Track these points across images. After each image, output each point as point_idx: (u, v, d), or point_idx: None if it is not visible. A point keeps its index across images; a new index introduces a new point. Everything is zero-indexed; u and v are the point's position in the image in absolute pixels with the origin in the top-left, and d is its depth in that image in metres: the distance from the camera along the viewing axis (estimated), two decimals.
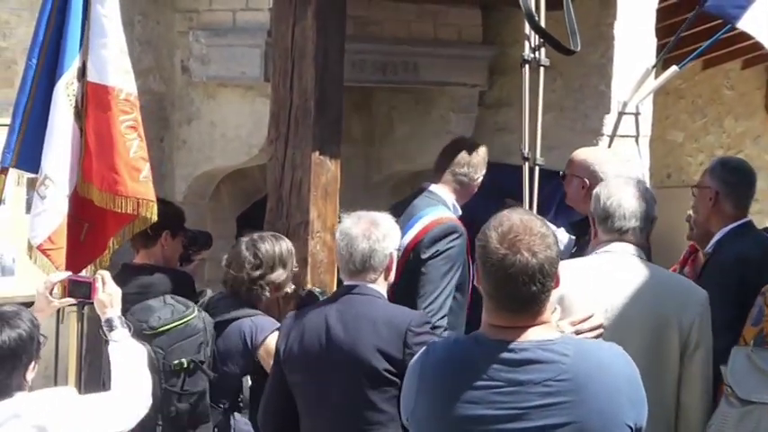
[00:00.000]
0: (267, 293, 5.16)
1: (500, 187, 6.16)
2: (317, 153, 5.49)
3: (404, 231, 5.88)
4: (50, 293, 4.59)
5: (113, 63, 5.33)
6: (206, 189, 6.89)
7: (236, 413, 5.18)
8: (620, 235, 4.42)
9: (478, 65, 7.28)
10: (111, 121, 5.30)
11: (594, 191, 4.56)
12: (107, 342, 4.38)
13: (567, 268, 4.03)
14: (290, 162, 5.56)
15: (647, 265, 4.49)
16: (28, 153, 5.38)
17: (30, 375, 3.82)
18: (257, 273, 5.12)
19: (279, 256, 5.16)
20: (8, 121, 5.48)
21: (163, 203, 5.89)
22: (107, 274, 4.59)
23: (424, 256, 5.64)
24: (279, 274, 5.15)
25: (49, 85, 5.34)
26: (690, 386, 4.35)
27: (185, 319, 5.00)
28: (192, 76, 6.63)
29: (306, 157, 5.51)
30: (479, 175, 6.00)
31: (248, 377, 5.15)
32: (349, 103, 6.61)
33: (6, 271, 6.37)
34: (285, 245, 5.21)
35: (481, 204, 6.54)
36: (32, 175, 5.58)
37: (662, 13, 7.48)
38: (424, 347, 3.22)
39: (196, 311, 5.05)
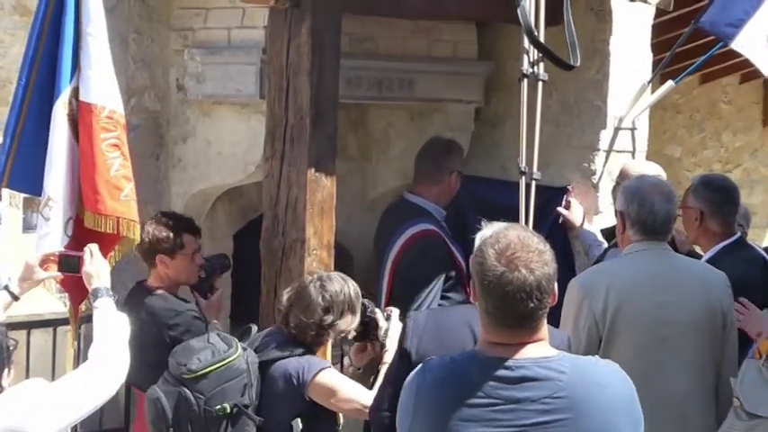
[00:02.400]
0: (330, 338, 4.90)
1: (496, 203, 6.14)
2: (313, 170, 5.49)
3: (390, 246, 6.13)
4: (40, 266, 4.81)
5: (96, 81, 5.30)
6: (202, 207, 6.86)
7: None
8: (654, 235, 4.71)
9: (474, 81, 7.26)
10: (92, 139, 5.27)
11: (624, 192, 4.83)
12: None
13: (612, 274, 4.63)
14: (285, 179, 5.56)
15: (679, 257, 4.90)
16: (20, 173, 5.36)
17: (5, 382, 3.79)
18: (329, 319, 4.78)
19: (349, 301, 4.81)
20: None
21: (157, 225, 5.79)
22: (95, 248, 4.66)
23: (407, 269, 6.25)
24: (348, 321, 4.83)
25: (41, 105, 5.32)
26: (728, 363, 4.70)
27: (226, 361, 4.64)
28: (187, 94, 6.60)
29: (302, 175, 5.50)
30: (454, 171, 6.48)
31: (299, 420, 4.69)
32: (344, 120, 6.61)
33: None
34: (353, 287, 4.86)
35: (477, 220, 6.56)
36: (27, 195, 5.56)
37: (658, 29, 7.48)
38: (419, 366, 3.18)
39: (239, 351, 4.69)
